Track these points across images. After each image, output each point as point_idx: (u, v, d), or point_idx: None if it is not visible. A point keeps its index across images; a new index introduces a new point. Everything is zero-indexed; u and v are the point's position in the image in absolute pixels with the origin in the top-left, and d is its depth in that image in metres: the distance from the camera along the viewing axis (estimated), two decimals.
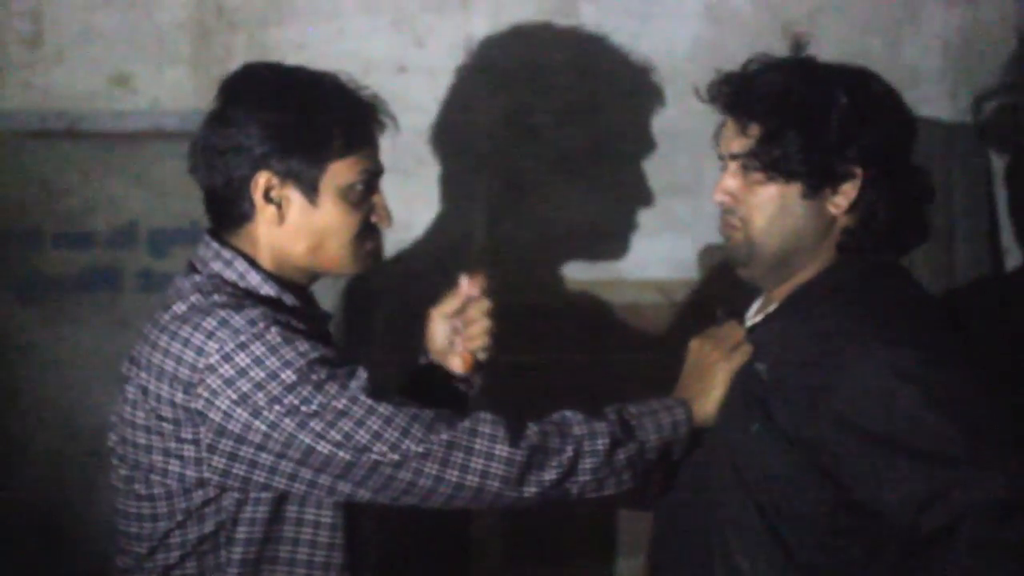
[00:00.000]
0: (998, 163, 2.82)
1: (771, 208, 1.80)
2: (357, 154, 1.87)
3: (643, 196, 2.72)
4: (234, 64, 2.58)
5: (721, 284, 2.70)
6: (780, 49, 1.91)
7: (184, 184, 2.58)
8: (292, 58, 2.63)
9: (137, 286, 2.61)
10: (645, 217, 2.72)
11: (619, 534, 2.61)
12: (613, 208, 2.72)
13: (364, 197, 1.89)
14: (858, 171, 1.79)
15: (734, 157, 1.82)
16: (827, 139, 1.77)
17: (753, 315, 1.93)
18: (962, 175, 2.77)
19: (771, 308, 1.89)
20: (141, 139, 2.61)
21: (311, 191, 1.85)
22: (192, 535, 1.82)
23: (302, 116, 1.84)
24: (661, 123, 2.71)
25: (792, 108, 1.78)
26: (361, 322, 2.60)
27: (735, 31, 2.73)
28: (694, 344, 1.91)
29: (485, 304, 2.00)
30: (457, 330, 2.02)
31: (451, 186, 2.68)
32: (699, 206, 2.70)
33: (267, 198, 1.85)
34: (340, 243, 1.88)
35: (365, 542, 1.93)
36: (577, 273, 2.71)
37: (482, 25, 2.70)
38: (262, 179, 1.84)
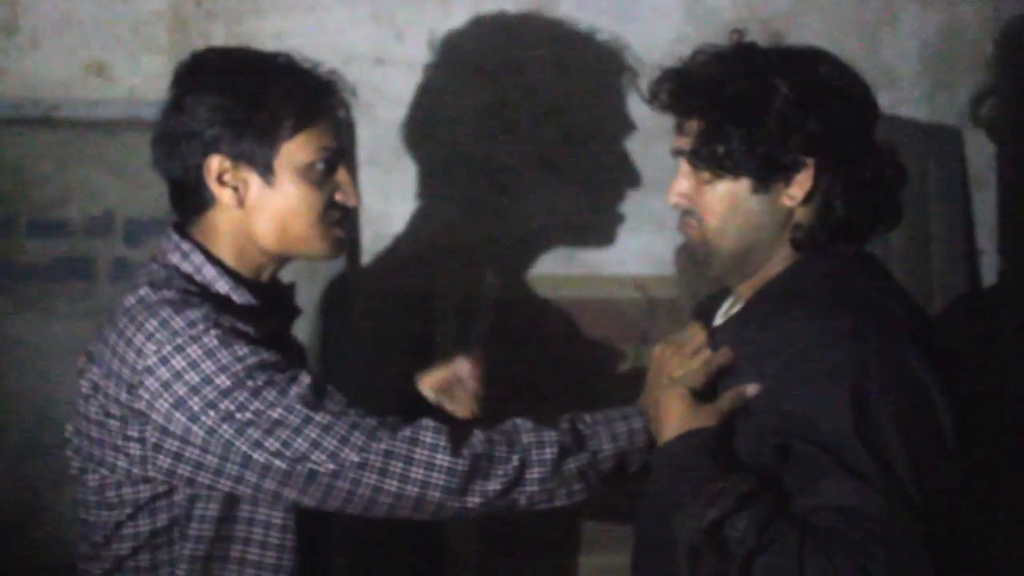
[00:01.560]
0: (975, 163, 2.83)
1: (723, 206, 1.75)
2: (310, 132, 1.84)
3: (621, 192, 2.72)
4: None
5: (698, 280, 2.71)
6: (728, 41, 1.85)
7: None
8: (269, 49, 2.64)
9: (112, 276, 2.59)
10: (622, 213, 2.72)
11: (590, 530, 2.61)
12: (591, 203, 2.72)
13: (326, 176, 1.86)
14: (808, 160, 1.71)
15: (680, 153, 1.78)
16: (767, 130, 1.70)
17: (721, 316, 1.89)
18: (939, 175, 2.78)
19: (735, 309, 1.84)
20: (117, 128, 2.59)
21: (266, 172, 1.83)
22: (144, 528, 1.82)
23: (250, 97, 1.82)
24: (639, 120, 2.71)
25: (729, 101, 1.72)
26: (339, 316, 2.59)
27: (714, 29, 2.69)
28: (656, 350, 1.87)
29: (473, 385, 2.01)
30: (445, 393, 2.03)
31: (429, 180, 2.68)
32: None
33: (221, 182, 1.83)
34: (305, 223, 1.85)
35: (317, 545, 1.91)
36: (554, 268, 2.71)
37: (462, 19, 2.70)
38: (214, 163, 1.82)
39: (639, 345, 2.65)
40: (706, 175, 1.75)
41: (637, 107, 2.72)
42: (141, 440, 1.77)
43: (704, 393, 1.75)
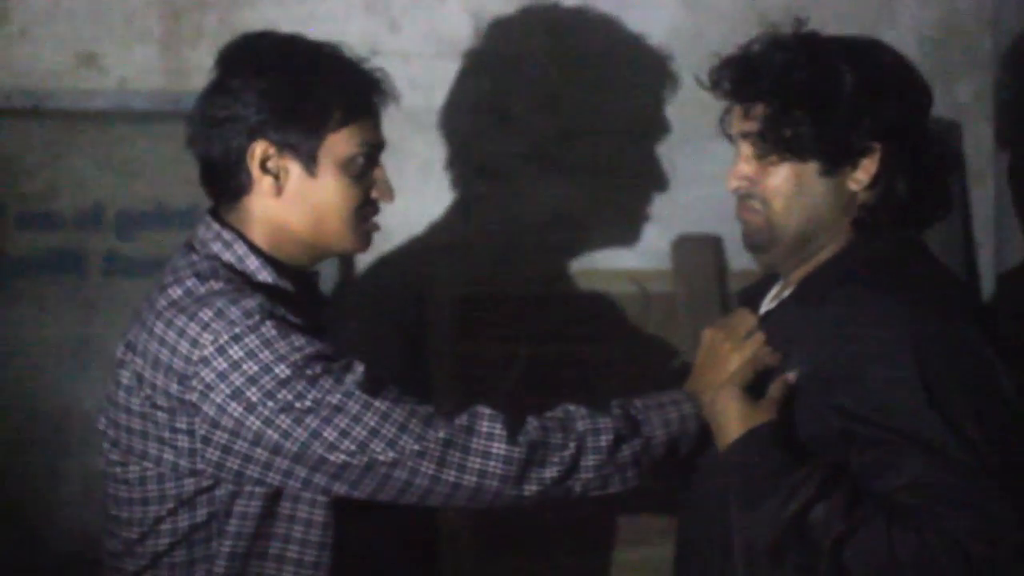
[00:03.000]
0: (972, 157, 2.82)
1: (789, 188, 1.77)
2: (356, 125, 1.83)
3: (617, 186, 2.71)
4: (204, 44, 2.60)
5: (694, 275, 2.70)
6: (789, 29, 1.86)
7: (152, 166, 2.59)
8: None
9: (102, 269, 2.58)
10: (619, 207, 2.71)
11: (586, 529, 2.60)
12: (586, 198, 2.71)
13: (365, 170, 1.85)
14: (876, 145, 1.75)
15: (745, 136, 1.79)
16: (838, 116, 1.74)
17: (769, 301, 1.90)
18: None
19: (786, 293, 1.85)
20: (108, 119, 2.57)
21: (310, 162, 1.82)
22: (183, 523, 1.80)
23: (300, 85, 1.81)
24: (636, 112, 2.70)
25: (797, 86, 1.75)
26: (333, 310, 2.58)
27: (712, 20, 2.72)
28: (707, 334, 1.87)
29: None
30: None
31: (423, 173, 2.66)
32: (673, 196, 2.70)
33: (264, 168, 1.81)
34: (340, 217, 1.84)
35: (353, 543, 1.89)
36: (549, 262, 2.69)
37: (456, 10, 2.68)
38: (259, 148, 1.81)
39: (634, 340, 2.64)
40: (773, 158, 1.77)
41: (634, 100, 2.72)
42: (190, 432, 1.75)
43: (756, 386, 1.77)
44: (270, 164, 1.82)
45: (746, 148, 1.80)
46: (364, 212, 1.87)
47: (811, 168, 1.76)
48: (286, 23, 2.59)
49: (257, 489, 1.78)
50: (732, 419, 1.74)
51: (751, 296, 1.96)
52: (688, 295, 2.67)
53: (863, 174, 1.77)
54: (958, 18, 2.82)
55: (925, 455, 1.60)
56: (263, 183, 1.82)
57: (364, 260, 2.62)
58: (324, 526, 1.82)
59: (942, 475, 1.59)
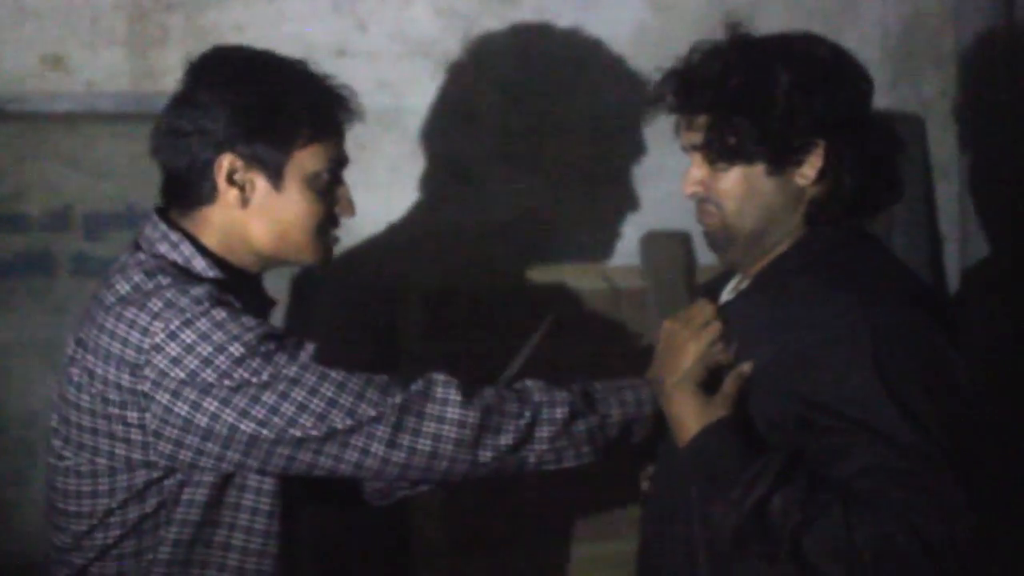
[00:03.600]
0: (937, 153, 2.85)
1: (739, 190, 1.81)
2: (324, 143, 1.86)
3: (585, 182, 2.72)
4: (171, 46, 2.59)
5: (663, 269, 2.71)
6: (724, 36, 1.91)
7: (120, 167, 2.58)
8: (230, 40, 2.61)
9: (71, 270, 2.57)
10: (587, 203, 2.72)
11: (558, 524, 2.61)
12: (555, 194, 2.72)
13: (329, 187, 1.88)
14: (819, 140, 1.79)
15: (695, 148, 1.83)
16: (775, 117, 1.77)
17: (727, 293, 1.93)
18: (901, 164, 2.79)
19: (744, 285, 1.89)
20: (75, 121, 2.56)
21: (276, 177, 1.84)
22: (133, 514, 1.81)
23: (269, 101, 1.83)
24: (603, 110, 2.71)
25: (734, 93, 1.78)
26: (306, 307, 2.58)
27: (678, 18, 2.74)
28: (666, 325, 1.89)
29: None
30: None
31: (393, 172, 2.66)
32: (641, 192, 2.71)
33: (230, 180, 1.84)
34: (303, 231, 1.87)
35: (300, 532, 1.92)
36: (518, 259, 2.70)
37: (423, 9, 2.69)
38: (226, 161, 1.83)
39: (603, 335, 2.65)
40: (721, 164, 1.80)
41: (601, 98, 2.73)
42: (141, 426, 1.76)
43: (712, 379, 1.79)
44: (236, 177, 1.84)
45: (696, 156, 1.83)
46: (326, 227, 1.89)
47: (758, 169, 1.80)
48: (253, 24, 2.62)
49: (204, 478, 1.79)
50: (688, 416, 1.76)
51: (711, 289, 1.99)
52: (657, 290, 2.68)
53: (809, 169, 1.80)
54: (921, 15, 2.85)
55: (880, 441, 1.62)
56: (228, 195, 1.84)
57: (333, 260, 2.62)
58: (269, 515, 1.83)
59: (896, 460, 1.61)
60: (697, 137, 1.82)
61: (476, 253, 2.69)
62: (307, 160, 1.85)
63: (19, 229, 2.56)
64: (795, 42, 1.83)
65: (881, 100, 2.75)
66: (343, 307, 2.62)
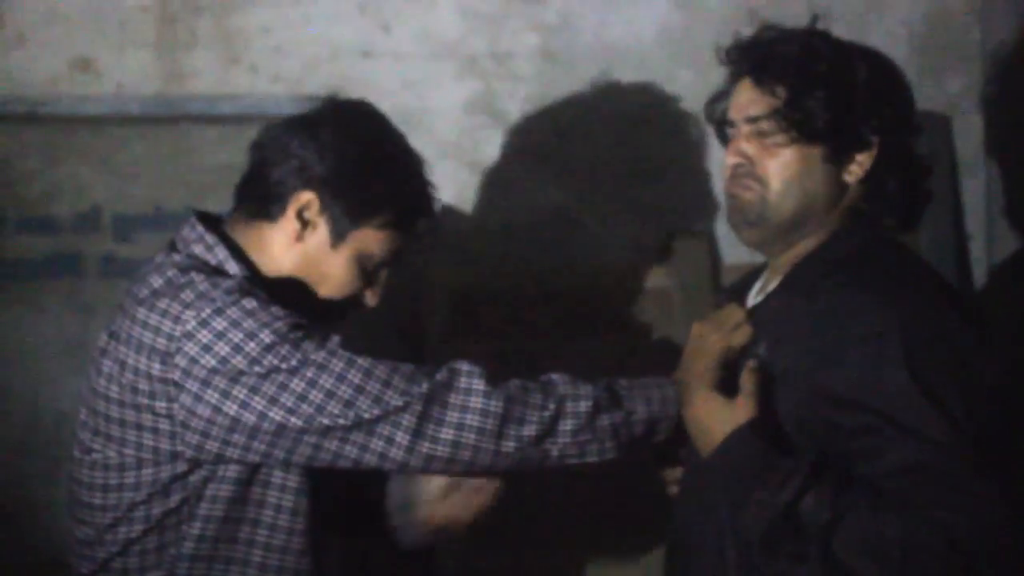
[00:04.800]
0: (963, 150, 2.84)
1: (792, 170, 1.81)
2: (393, 233, 1.91)
3: (608, 183, 2.72)
4: (199, 49, 2.61)
5: (688, 269, 2.71)
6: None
7: (148, 169, 2.60)
8: (257, 42, 2.64)
9: (100, 272, 2.59)
10: (611, 203, 2.72)
11: (573, 526, 2.61)
12: (578, 195, 2.72)
13: (376, 271, 1.93)
14: (875, 140, 1.81)
15: (752, 120, 1.83)
16: (853, 105, 1.80)
17: (755, 295, 1.93)
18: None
19: (772, 286, 1.88)
20: (104, 124, 2.59)
21: (338, 237, 1.89)
22: (156, 509, 1.82)
23: (373, 173, 1.89)
24: (627, 110, 2.71)
25: (819, 72, 1.80)
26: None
27: (702, 18, 2.73)
28: (695, 327, 1.89)
29: None
30: None
31: None
32: (664, 192, 2.71)
33: (299, 215, 1.88)
34: (331, 290, 1.91)
35: (325, 530, 1.91)
36: (542, 259, 2.70)
37: (448, 10, 2.69)
38: (305, 197, 1.88)
39: (626, 335, 2.65)
40: (779, 138, 1.81)
41: (625, 98, 2.73)
42: (169, 416, 1.78)
43: (730, 380, 1.79)
44: (306, 214, 1.88)
45: (747, 128, 1.83)
46: (351, 299, 1.93)
47: (816, 152, 1.81)
48: (279, 26, 2.63)
49: (229, 473, 1.81)
50: (712, 423, 1.76)
51: (737, 290, 1.99)
52: (682, 290, 2.68)
53: (858, 167, 1.82)
54: (947, 12, 2.84)
55: (912, 438, 1.63)
56: (289, 225, 1.88)
57: None
58: (293, 512, 1.84)
59: (929, 458, 1.61)
60: (758, 108, 1.82)
61: (501, 253, 2.69)
62: (371, 239, 1.90)
63: (48, 231, 2.59)
64: (866, 47, 1.87)
65: None
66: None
